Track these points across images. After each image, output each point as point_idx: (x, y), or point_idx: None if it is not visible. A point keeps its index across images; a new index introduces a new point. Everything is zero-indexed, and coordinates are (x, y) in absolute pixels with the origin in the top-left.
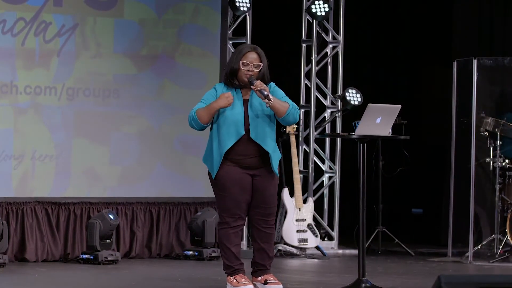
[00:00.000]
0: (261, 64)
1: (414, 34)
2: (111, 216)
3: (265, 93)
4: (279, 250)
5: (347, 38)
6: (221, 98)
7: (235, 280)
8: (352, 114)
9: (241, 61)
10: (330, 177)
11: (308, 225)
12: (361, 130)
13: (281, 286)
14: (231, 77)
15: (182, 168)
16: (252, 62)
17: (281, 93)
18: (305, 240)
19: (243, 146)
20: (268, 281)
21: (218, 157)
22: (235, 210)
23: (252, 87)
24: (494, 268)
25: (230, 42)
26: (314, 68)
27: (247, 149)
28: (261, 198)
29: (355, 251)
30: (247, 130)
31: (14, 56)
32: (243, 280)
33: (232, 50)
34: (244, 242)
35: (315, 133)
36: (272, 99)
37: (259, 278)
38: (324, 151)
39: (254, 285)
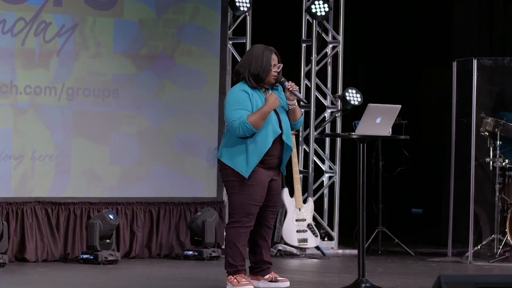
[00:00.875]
0: (282, 64)
1: (414, 34)
2: (111, 216)
3: (300, 95)
4: (279, 250)
5: (347, 38)
6: (272, 101)
7: (235, 280)
8: (352, 114)
9: (273, 64)
10: (330, 177)
11: (308, 225)
12: (361, 130)
13: (289, 283)
14: (258, 80)
15: (182, 168)
16: (277, 63)
17: None
18: (305, 240)
19: (273, 146)
20: (278, 278)
21: (256, 157)
22: (253, 210)
23: (287, 87)
24: (494, 268)
25: (230, 42)
26: (314, 68)
27: (275, 149)
28: (275, 198)
29: (355, 251)
30: (281, 129)
31: (14, 56)
32: (244, 280)
33: (233, 50)
34: None
35: (315, 133)
36: (305, 102)
37: (267, 276)
38: (324, 151)
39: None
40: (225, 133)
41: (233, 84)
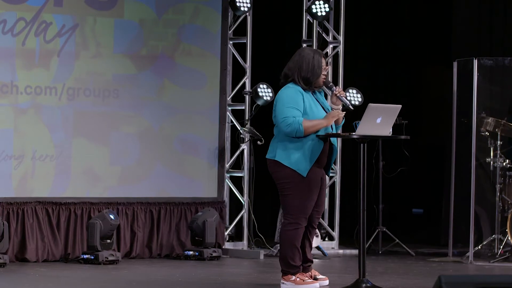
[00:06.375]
0: (329, 67)
1: (414, 34)
2: (111, 216)
3: (347, 101)
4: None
5: (348, 38)
6: (332, 117)
7: (298, 279)
8: (353, 114)
9: (323, 68)
10: (330, 177)
11: None
12: (362, 130)
13: (328, 280)
14: (307, 83)
15: (182, 168)
16: (325, 67)
17: None
18: None
19: (324, 145)
20: (317, 276)
21: (313, 155)
22: (309, 210)
23: (334, 92)
24: (494, 268)
25: (231, 42)
26: None
27: (326, 148)
28: (323, 197)
29: (355, 251)
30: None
31: (15, 56)
32: (307, 278)
33: (233, 50)
34: (245, 242)
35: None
36: (352, 109)
37: (306, 274)
38: None
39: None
40: (276, 135)
41: (280, 86)
